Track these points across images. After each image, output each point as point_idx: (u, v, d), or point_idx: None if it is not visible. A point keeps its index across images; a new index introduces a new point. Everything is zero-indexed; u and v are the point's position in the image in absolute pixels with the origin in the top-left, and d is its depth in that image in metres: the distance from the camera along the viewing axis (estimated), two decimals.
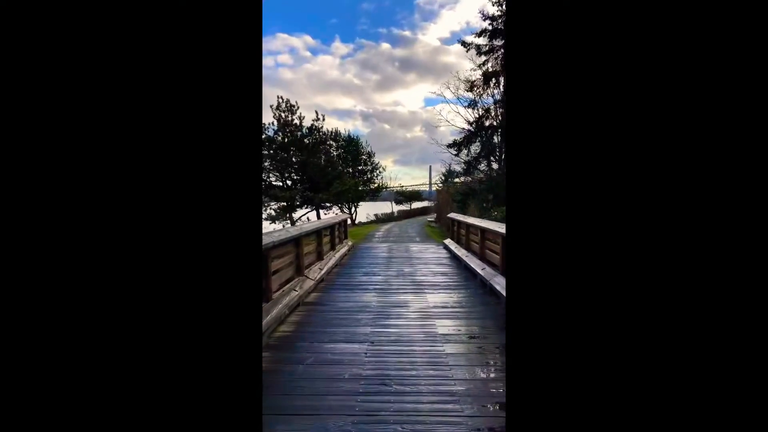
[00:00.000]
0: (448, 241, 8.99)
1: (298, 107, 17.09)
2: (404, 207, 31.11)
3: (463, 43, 12.39)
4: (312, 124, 17.44)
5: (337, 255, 7.06)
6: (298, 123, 17.03)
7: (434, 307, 4.18)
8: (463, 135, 13.03)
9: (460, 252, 7.30)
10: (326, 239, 6.91)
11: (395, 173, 68.85)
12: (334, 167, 17.75)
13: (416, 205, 32.40)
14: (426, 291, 4.90)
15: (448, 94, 13.73)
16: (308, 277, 4.98)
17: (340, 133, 20.92)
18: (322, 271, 5.58)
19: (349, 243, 9.05)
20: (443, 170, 18.74)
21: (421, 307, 4.15)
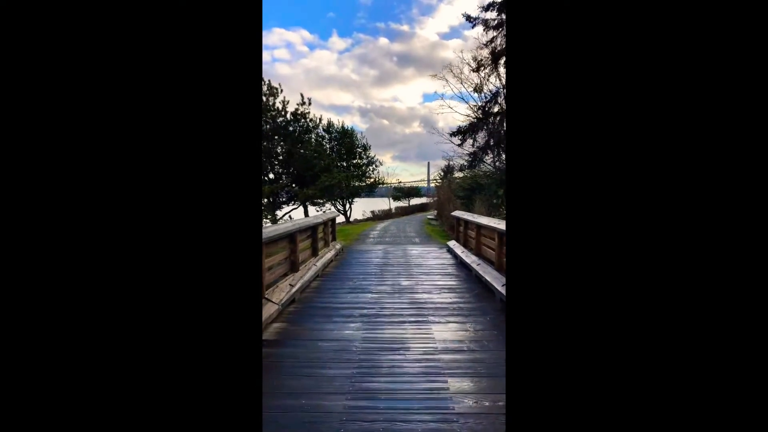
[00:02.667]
0: (452, 244, 7.70)
1: (281, 90, 14.89)
2: (402, 203, 29.96)
3: (468, 18, 10.88)
4: (297, 109, 15.09)
5: (320, 263, 5.76)
6: (280, 107, 14.82)
7: (444, 350, 2.88)
8: (467, 123, 11.59)
9: (469, 258, 6.02)
10: (304, 244, 5.61)
11: (393, 169, 67.07)
12: (322, 158, 15.58)
13: (414, 201, 31.37)
14: (430, 318, 3.60)
15: (452, 79, 12.16)
16: (270, 301, 3.68)
17: (333, 125, 19.45)
18: (294, 289, 4.27)
19: (338, 246, 7.75)
20: (443, 165, 17.44)
21: (426, 351, 2.85)
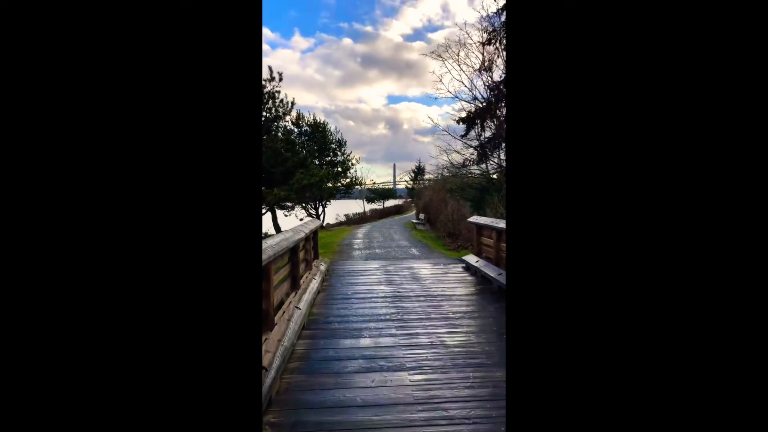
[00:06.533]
0: (475, 261, 5.85)
1: None
2: (376, 206, 28.12)
3: None
4: (263, 86, 11.93)
5: (304, 304, 3.72)
6: None
7: None
8: (473, 108, 9.74)
9: None
10: (281, 275, 3.56)
11: (367, 171, 64.61)
12: (295, 152, 12.87)
13: (389, 203, 29.72)
14: None
15: (449, 59, 10.28)
16: None
17: (303, 117, 17.18)
18: (270, 374, 2.24)
19: (322, 266, 5.71)
20: (411, 167, 15.80)
21: None
